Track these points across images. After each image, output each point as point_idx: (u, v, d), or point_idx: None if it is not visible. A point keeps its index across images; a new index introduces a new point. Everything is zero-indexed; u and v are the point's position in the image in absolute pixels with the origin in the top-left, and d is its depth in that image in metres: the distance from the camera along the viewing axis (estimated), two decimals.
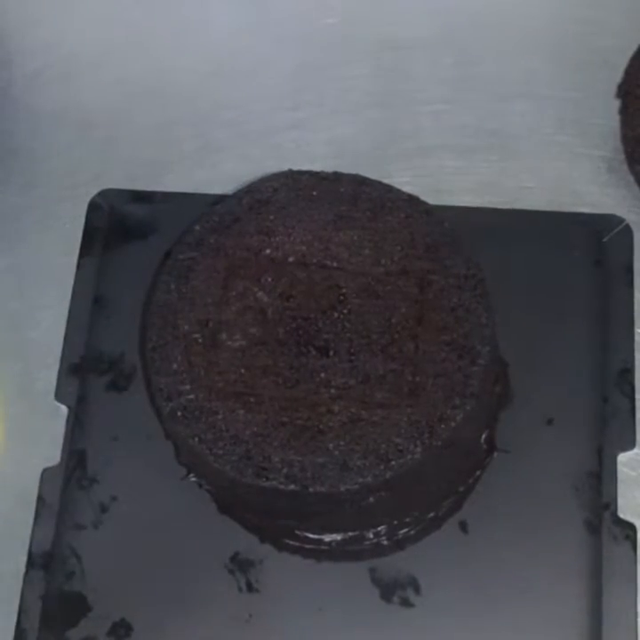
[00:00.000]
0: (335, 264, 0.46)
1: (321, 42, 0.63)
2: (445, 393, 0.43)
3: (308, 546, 0.48)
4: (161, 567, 0.50)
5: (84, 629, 0.49)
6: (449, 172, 0.58)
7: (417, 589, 0.49)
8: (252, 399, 0.43)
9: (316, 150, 0.59)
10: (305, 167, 0.50)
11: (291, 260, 0.46)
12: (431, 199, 0.49)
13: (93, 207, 0.58)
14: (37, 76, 0.64)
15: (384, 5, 0.64)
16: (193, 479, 0.49)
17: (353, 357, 0.44)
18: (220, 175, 0.58)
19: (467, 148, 0.59)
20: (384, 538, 0.47)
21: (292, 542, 0.48)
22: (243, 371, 0.44)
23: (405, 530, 0.47)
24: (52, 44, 0.65)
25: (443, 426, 0.43)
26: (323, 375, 0.44)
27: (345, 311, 0.45)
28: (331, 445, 0.43)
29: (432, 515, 0.48)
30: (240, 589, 0.49)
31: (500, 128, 0.59)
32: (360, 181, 0.49)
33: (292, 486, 0.42)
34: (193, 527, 0.50)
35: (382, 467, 0.42)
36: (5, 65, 0.64)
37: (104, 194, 0.58)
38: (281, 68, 0.63)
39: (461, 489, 0.48)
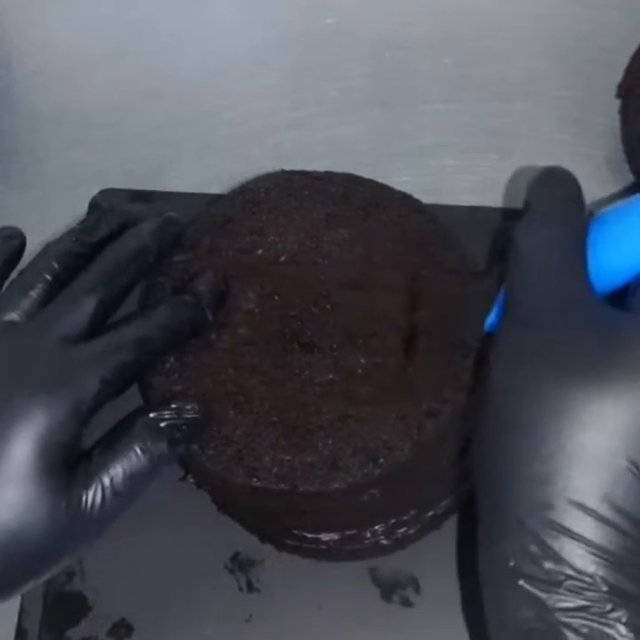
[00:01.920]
0: (326, 262, 0.46)
1: (321, 42, 0.63)
2: (434, 388, 0.43)
3: (306, 545, 0.48)
4: (161, 567, 0.50)
5: (85, 629, 0.49)
6: (449, 171, 0.59)
7: (417, 589, 0.49)
8: (241, 399, 0.43)
9: (316, 150, 0.59)
10: (305, 167, 0.50)
11: (282, 259, 0.46)
12: (431, 199, 0.49)
13: (93, 207, 0.58)
14: (37, 75, 0.64)
15: (384, 5, 0.64)
16: (191, 480, 0.49)
17: (335, 353, 0.44)
18: (220, 175, 0.58)
19: (467, 147, 0.59)
20: (382, 537, 0.47)
21: (291, 542, 0.48)
22: (231, 371, 0.44)
23: (404, 529, 0.47)
24: (52, 43, 0.65)
25: (431, 421, 0.43)
26: (307, 372, 0.44)
27: (336, 308, 0.45)
28: (320, 444, 0.42)
29: (431, 514, 0.48)
30: (240, 589, 0.49)
31: (500, 128, 0.60)
32: (353, 180, 0.49)
33: (282, 486, 0.42)
34: (193, 527, 0.50)
35: (371, 465, 0.42)
36: (5, 65, 0.65)
37: (104, 193, 0.58)
38: (281, 68, 0.63)
39: (461, 488, 0.48)
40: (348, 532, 0.47)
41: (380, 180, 0.49)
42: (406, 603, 0.48)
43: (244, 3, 0.66)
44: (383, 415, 0.42)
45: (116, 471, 0.40)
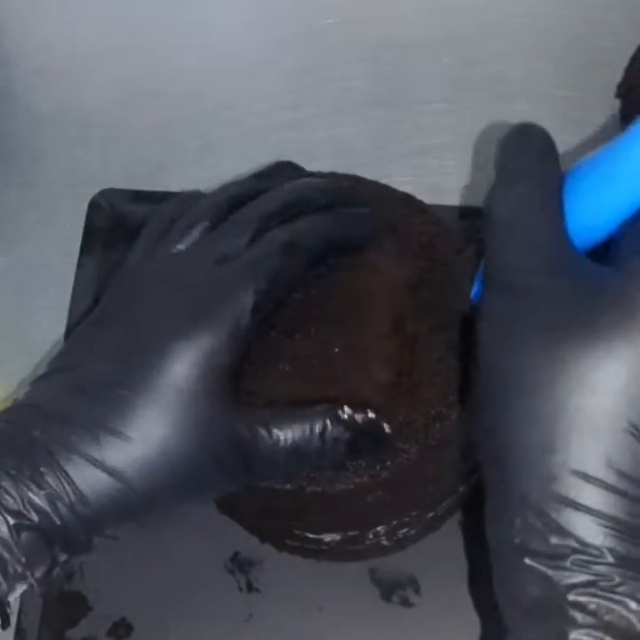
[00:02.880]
0: (330, 263, 0.46)
1: (321, 42, 0.63)
2: (441, 392, 0.43)
3: (307, 546, 0.48)
4: (161, 567, 0.50)
5: (84, 629, 0.49)
6: (449, 171, 0.58)
7: (417, 589, 0.49)
8: (246, 399, 0.43)
9: (316, 150, 0.59)
10: (305, 167, 0.50)
11: None
12: (431, 199, 0.49)
13: (94, 207, 0.58)
14: (37, 75, 0.64)
15: (384, 5, 0.64)
16: None
17: (339, 356, 0.44)
18: (220, 175, 0.58)
19: (467, 148, 0.59)
20: (384, 538, 0.47)
21: (292, 542, 0.48)
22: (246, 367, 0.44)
23: (405, 530, 0.47)
24: (52, 43, 0.65)
25: (438, 425, 0.43)
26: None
27: (340, 309, 0.45)
28: None
29: (432, 515, 0.48)
30: (240, 589, 0.49)
31: (500, 128, 0.59)
32: (356, 181, 0.49)
33: (287, 486, 0.42)
34: (193, 527, 0.50)
35: (378, 467, 0.42)
36: (5, 64, 0.64)
37: (104, 194, 0.58)
38: (281, 68, 0.63)
39: (461, 489, 0.48)
40: (351, 533, 0.47)
41: (381, 181, 0.49)
42: (406, 603, 0.48)
43: (244, 3, 0.66)
44: (390, 418, 0.42)
45: (283, 433, 0.39)
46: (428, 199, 0.49)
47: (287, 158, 0.50)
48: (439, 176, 0.58)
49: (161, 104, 0.62)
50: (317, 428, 0.40)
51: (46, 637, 0.49)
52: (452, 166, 0.59)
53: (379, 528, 0.47)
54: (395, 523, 0.47)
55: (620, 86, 0.57)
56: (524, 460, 0.34)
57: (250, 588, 0.49)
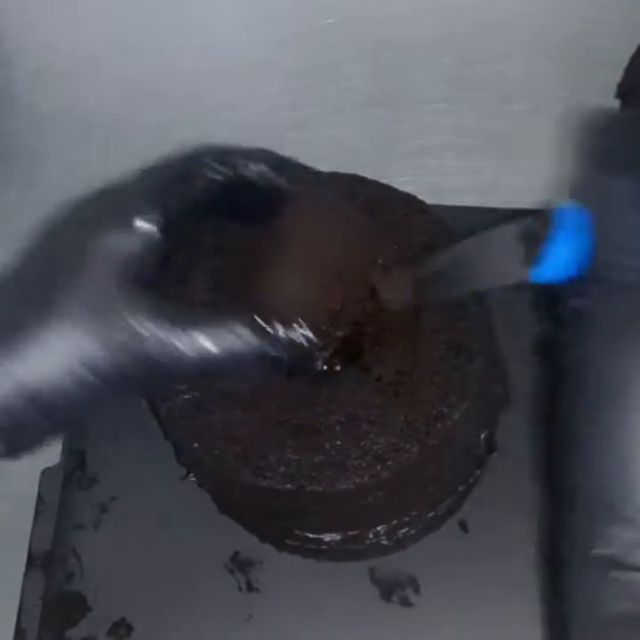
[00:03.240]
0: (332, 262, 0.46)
1: (321, 42, 0.63)
2: (442, 391, 0.43)
3: (307, 545, 0.48)
4: (161, 567, 0.50)
5: (84, 629, 0.49)
6: (449, 171, 0.59)
7: (417, 589, 0.49)
8: (247, 398, 0.43)
9: (317, 150, 0.59)
10: None
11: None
12: (431, 199, 0.49)
13: None
14: (38, 75, 0.64)
15: (384, 5, 0.64)
16: (193, 479, 0.49)
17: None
18: None
19: (467, 148, 0.59)
20: (383, 537, 0.47)
21: (292, 542, 0.48)
22: None
23: (405, 529, 0.47)
24: (53, 43, 0.65)
25: (439, 425, 0.43)
26: None
27: (342, 307, 0.45)
28: (327, 445, 0.43)
29: (432, 514, 0.48)
30: (240, 589, 0.49)
31: (500, 128, 0.60)
32: (358, 181, 0.49)
33: (288, 485, 0.42)
34: (193, 527, 0.50)
35: (379, 466, 0.42)
36: (6, 65, 0.65)
37: None
38: (281, 68, 0.63)
39: (461, 489, 0.48)
40: (351, 533, 0.47)
41: (381, 180, 0.49)
42: (406, 603, 0.48)
43: (244, 3, 0.66)
44: (391, 417, 0.42)
45: (195, 334, 0.37)
46: (428, 199, 0.49)
47: None
48: (439, 176, 0.59)
49: (161, 104, 0.62)
50: (229, 333, 0.38)
51: (46, 637, 0.49)
52: (452, 166, 0.59)
53: (379, 528, 0.47)
54: (395, 522, 0.47)
55: (619, 86, 0.57)
56: (614, 469, 0.32)
57: (250, 587, 0.49)
